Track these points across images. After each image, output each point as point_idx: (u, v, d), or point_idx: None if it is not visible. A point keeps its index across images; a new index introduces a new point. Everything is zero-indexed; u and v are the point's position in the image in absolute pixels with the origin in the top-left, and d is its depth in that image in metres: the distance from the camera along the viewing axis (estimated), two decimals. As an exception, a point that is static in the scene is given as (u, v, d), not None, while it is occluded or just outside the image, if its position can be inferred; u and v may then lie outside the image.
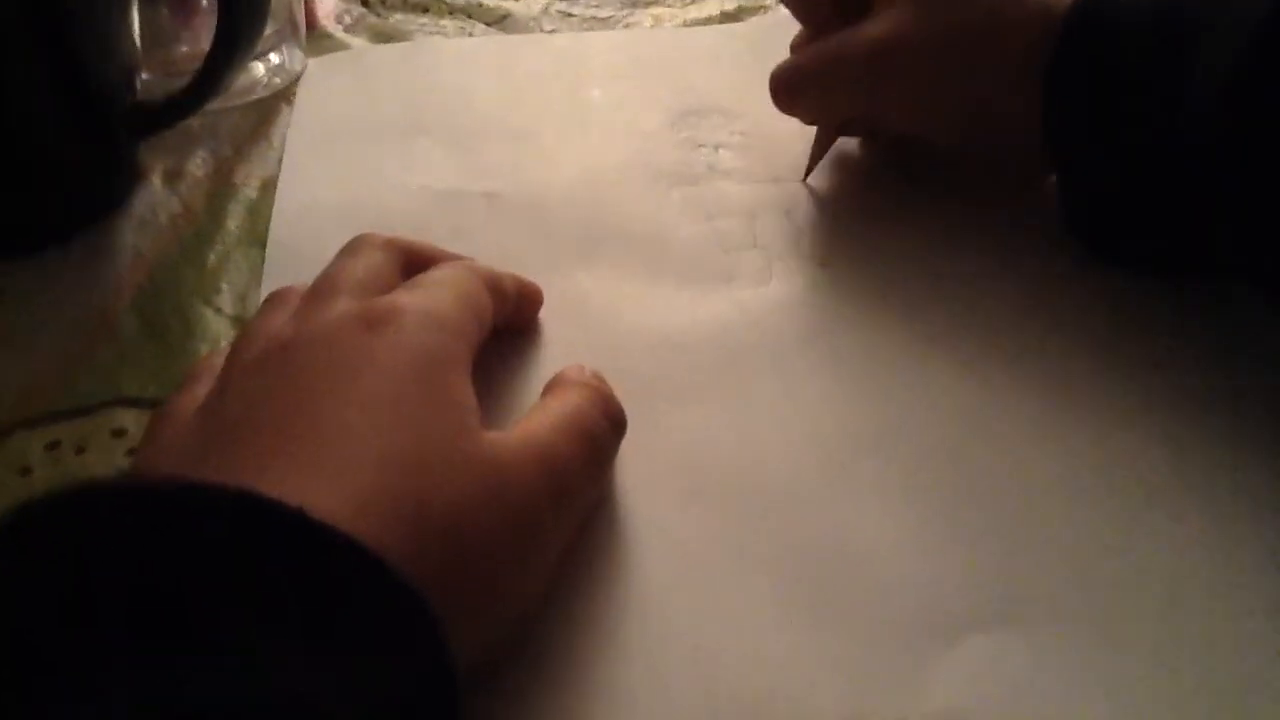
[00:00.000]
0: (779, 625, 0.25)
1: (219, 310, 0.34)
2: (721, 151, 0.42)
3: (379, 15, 0.52)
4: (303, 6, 0.47)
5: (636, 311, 0.34)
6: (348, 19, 0.51)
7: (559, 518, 0.24)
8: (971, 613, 0.26)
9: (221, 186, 0.40)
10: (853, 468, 0.29)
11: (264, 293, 0.34)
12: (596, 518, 0.27)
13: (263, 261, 0.36)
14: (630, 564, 0.26)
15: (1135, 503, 0.28)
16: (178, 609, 0.17)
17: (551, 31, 0.51)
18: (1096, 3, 0.32)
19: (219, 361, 0.26)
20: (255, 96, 0.44)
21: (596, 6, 0.53)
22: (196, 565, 0.17)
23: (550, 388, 0.28)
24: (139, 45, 0.38)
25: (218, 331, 0.34)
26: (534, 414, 0.26)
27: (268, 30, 0.39)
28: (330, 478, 0.21)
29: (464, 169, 0.40)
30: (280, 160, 0.41)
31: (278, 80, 0.45)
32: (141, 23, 0.38)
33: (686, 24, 0.51)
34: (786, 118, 0.39)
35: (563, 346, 0.33)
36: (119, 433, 0.30)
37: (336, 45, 0.49)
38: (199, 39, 0.43)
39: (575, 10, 0.52)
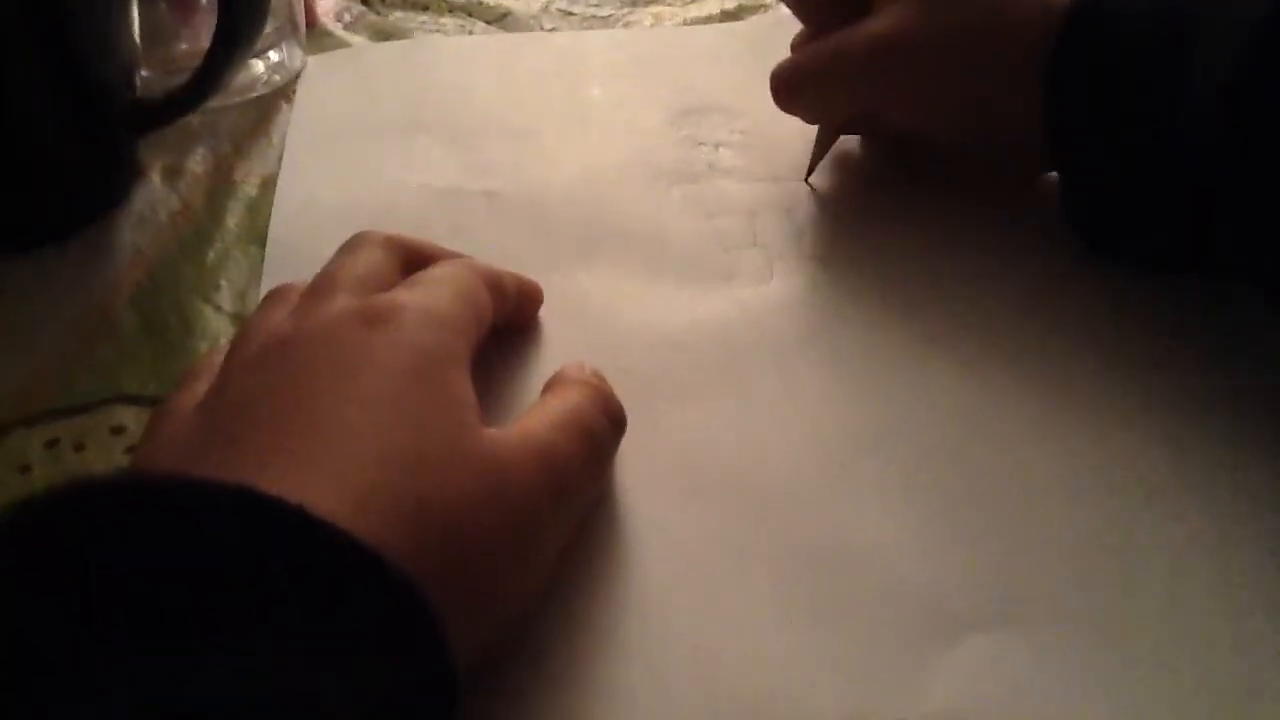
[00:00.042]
0: (779, 625, 0.25)
1: (218, 308, 0.34)
2: (722, 150, 0.42)
3: (379, 13, 0.52)
4: (302, 4, 0.47)
5: (636, 310, 0.34)
6: (347, 17, 0.51)
7: (559, 515, 0.24)
8: (971, 613, 0.26)
9: (221, 184, 0.40)
10: (853, 467, 0.29)
11: (263, 290, 0.34)
12: (596, 516, 0.27)
13: (262, 259, 0.36)
14: (630, 563, 0.26)
15: (1135, 503, 0.28)
16: (177, 607, 0.17)
17: (552, 30, 0.51)
18: (1097, 1, 0.32)
19: (218, 359, 0.26)
20: (255, 94, 0.44)
21: (596, 5, 0.53)
22: (196, 563, 0.17)
23: (550, 386, 0.28)
24: (139, 42, 0.38)
25: (217, 329, 0.34)
26: (534, 412, 0.26)
27: (267, 28, 0.38)
28: (330, 475, 0.20)
29: (464, 167, 0.40)
30: (280, 158, 0.41)
31: (277, 78, 0.45)
32: (141, 20, 0.38)
33: (687, 22, 0.51)
34: (787, 116, 0.39)
35: (562, 345, 0.33)
36: (118, 430, 0.30)
37: (336, 43, 0.49)
38: (199, 36, 0.43)
39: (575, 8, 0.52)
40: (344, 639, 0.18)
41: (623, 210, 0.38)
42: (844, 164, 0.41)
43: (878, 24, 0.35)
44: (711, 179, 0.40)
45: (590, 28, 0.51)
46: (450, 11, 0.52)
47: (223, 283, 0.35)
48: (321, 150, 0.41)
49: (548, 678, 0.24)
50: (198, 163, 0.41)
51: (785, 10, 0.39)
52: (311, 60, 0.47)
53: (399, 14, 0.52)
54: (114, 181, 0.39)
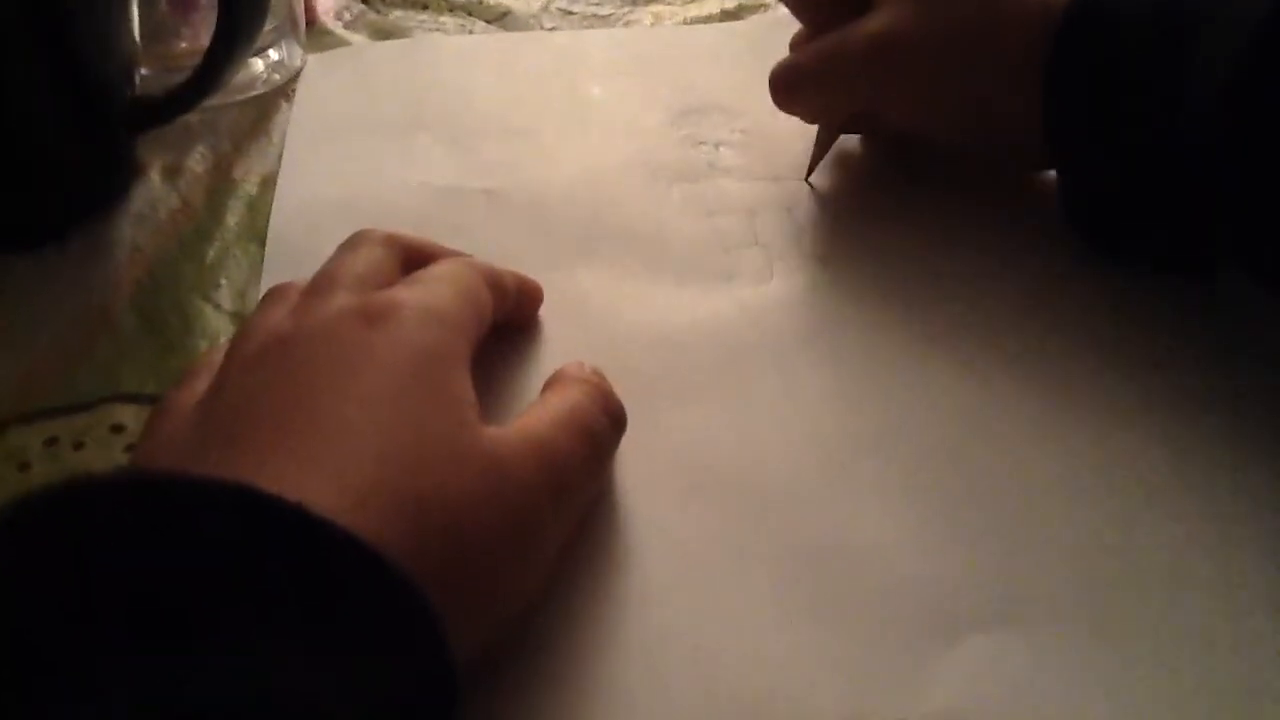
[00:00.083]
0: (779, 625, 0.25)
1: (218, 306, 0.34)
2: (722, 149, 0.42)
3: (378, 12, 0.52)
4: (302, 3, 0.47)
5: (636, 309, 0.34)
6: (347, 15, 0.51)
7: (558, 514, 0.24)
8: (971, 613, 0.26)
9: (221, 182, 0.40)
10: (853, 467, 0.29)
11: (263, 289, 0.33)
12: (596, 516, 0.27)
13: (262, 258, 0.36)
14: (630, 563, 0.26)
15: (1135, 503, 0.28)
16: (177, 606, 0.17)
17: (551, 29, 0.51)
18: (1097, 1, 0.32)
19: (218, 357, 0.26)
20: (255, 92, 0.44)
21: (597, 4, 0.53)
22: (195, 561, 0.17)
23: (550, 384, 0.28)
24: (138, 40, 0.38)
25: (217, 328, 0.33)
26: (534, 410, 0.26)
27: (267, 26, 0.38)
28: (329, 473, 0.20)
29: (464, 166, 0.40)
30: (280, 156, 0.41)
31: (277, 76, 0.45)
32: (141, 17, 0.38)
33: (687, 22, 0.51)
34: (787, 116, 0.39)
35: (562, 344, 0.33)
36: (118, 428, 0.30)
37: (336, 41, 0.49)
38: (198, 34, 0.42)
39: (575, 8, 0.52)
40: (343, 637, 0.18)
41: (623, 209, 0.38)
42: (844, 164, 0.41)
43: (876, 23, 0.35)
44: (712, 178, 0.40)
45: (590, 27, 0.51)
46: (450, 10, 0.52)
47: (222, 281, 0.35)
48: (321, 149, 0.41)
49: (547, 676, 0.24)
50: (197, 161, 0.41)
51: (785, 10, 0.39)
52: (311, 59, 0.47)
53: (399, 13, 0.52)
54: (114, 180, 0.39)
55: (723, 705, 0.24)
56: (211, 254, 0.36)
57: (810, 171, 0.40)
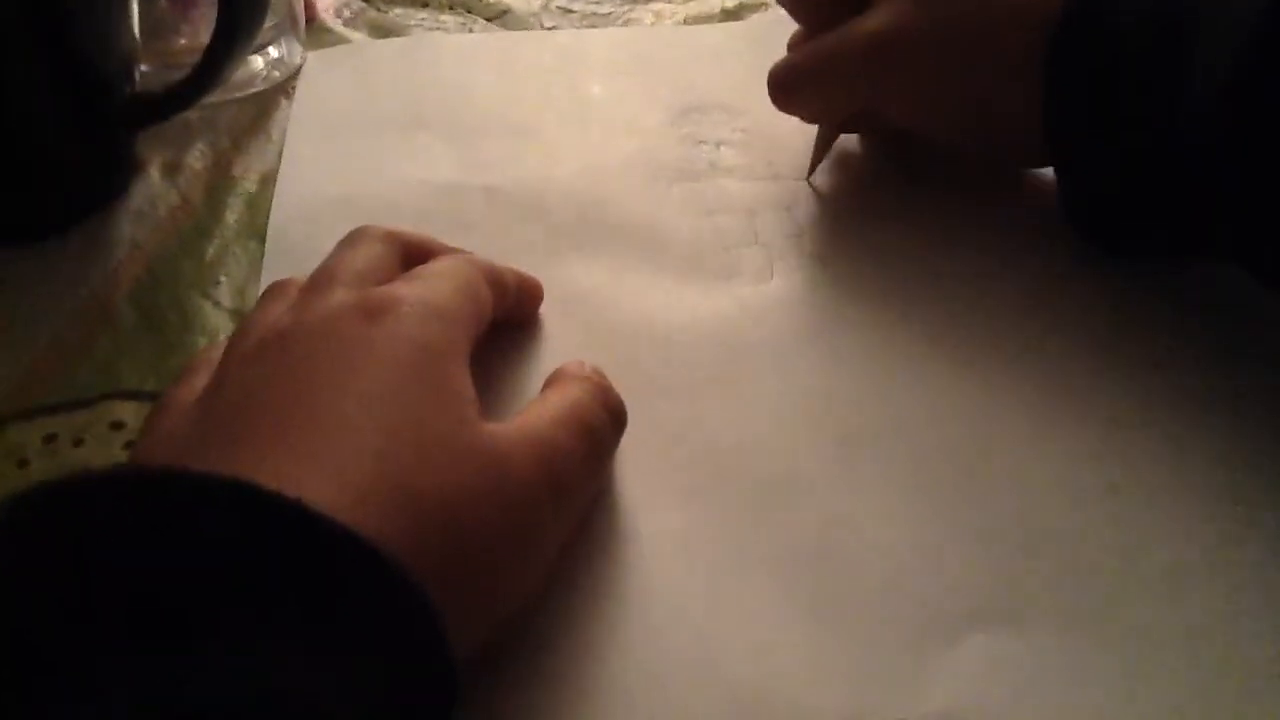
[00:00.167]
0: (779, 625, 0.25)
1: (217, 303, 0.34)
2: (723, 148, 0.42)
3: (378, 10, 0.51)
4: (302, 0, 0.47)
5: (637, 307, 0.34)
6: (347, 13, 0.51)
7: (558, 511, 0.24)
8: (971, 613, 0.26)
9: (220, 179, 0.40)
10: (853, 467, 0.29)
11: (263, 286, 0.33)
12: (596, 514, 0.27)
13: (261, 255, 0.36)
14: (629, 561, 0.26)
15: (1135, 503, 0.28)
16: (176, 604, 0.17)
17: (552, 28, 0.51)
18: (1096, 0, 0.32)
19: (217, 354, 0.26)
20: (254, 89, 0.44)
21: (597, 3, 0.53)
22: (194, 558, 0.17)
23: (550, 382, 0.28)
24: (138, 37, 0.38)
25: (216, 324, 0.33)
26: (534, 407, 0.26)
27: (267, 23, 0.38)
28: (328, 469, 0.20)
29: (464, 163, 0.40)
30: (279, 154, 0.41)
31: (277, 73, 0.45)
32: (140, 14, 0.37)
33: (687, 20, 0.51)
34: (788, 115, 0.39)
35: (562, 342, 0.32)
36: (117, 425, 0.30)
37: (336, 39, 0.49)
38: (198, 31, 0.42)
39: (575, 6, 0.52)
40: (343, 634, 0.18)
41: (623, 208, 0.38)
42: (844, 164, 0.41)
43: (875, 21, 0.35)
44: (712, 177, 0.40)
45: (590, 25, 0.51)
46: (450, 8, 0.52)
47: (222, 278, 0.35)
48: (321, 146, 0.41)
49: (547, 674, 0.24)
50: (197, 158, 0.41)
51: (785, 9, 0.39)
52: (311, 56, 0.47)
53: (398, 10, 0.51)
54: (113, 176, 0.39)
55: (722, 705, 0.24)
56: (211, 251, 0.36)
57: (811, 171, 0.40)
